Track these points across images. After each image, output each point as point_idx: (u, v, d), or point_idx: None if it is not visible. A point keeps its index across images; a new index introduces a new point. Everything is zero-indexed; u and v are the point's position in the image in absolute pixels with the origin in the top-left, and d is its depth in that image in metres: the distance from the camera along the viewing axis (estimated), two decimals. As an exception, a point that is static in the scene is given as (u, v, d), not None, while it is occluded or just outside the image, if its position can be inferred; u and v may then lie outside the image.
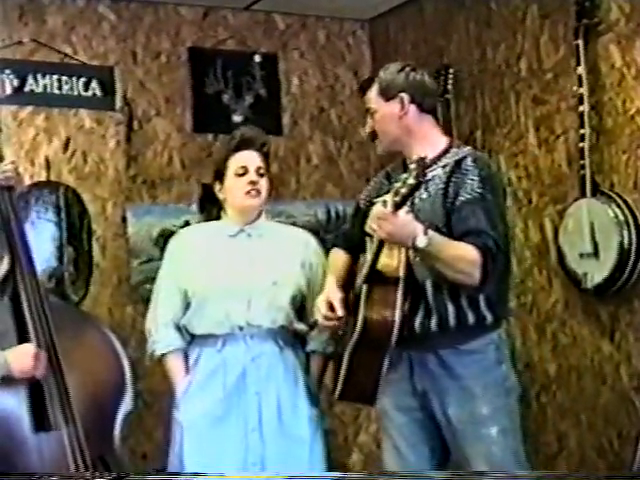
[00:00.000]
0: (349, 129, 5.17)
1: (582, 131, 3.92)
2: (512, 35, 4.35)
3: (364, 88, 3.27)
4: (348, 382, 3.19)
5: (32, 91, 4.49)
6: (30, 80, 4.48)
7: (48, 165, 4.50)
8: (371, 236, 3.12)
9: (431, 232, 2.92)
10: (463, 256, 2.98)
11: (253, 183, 3.53)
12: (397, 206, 2.85)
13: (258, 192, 3.54)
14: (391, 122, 3.19)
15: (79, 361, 3.31)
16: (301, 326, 3.56)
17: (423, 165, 2.83)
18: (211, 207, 3.69)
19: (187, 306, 3.56)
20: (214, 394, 3.49)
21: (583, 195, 3.91)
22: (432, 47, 4.78)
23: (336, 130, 5.15)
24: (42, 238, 4.40)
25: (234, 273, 3.52)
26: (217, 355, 3.50)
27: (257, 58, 4.96)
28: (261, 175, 3.56)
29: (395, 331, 3.03)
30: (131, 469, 3.53)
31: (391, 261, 3.04)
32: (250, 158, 3.55)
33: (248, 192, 3.52)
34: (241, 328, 3.48)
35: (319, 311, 3.25)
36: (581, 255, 3.91)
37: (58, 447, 3.16)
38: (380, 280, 3.07)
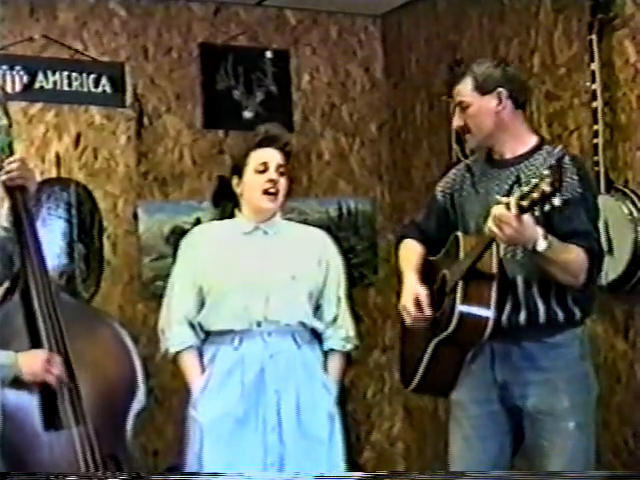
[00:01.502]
0: (360, 125, 5.16)
1: (595, 127, 3.89)
2: (525, 30, 4.32)
3: (453, 82, 3.23)
4: (428, 376, 3.22)
5: (42, 87, 4.49)
6: (40, 76, 4.48)
7: (59, 162, 4.49)
8: (458, 229, 3.15)
9: (550, 237, 2.90)
10: (575, 260, 2.98)
11: (272, 182, 3.50)
12: (522, 210, 2.81)
13: (276, 192, 3.51)
14: (487, 117, 3.16)
15: (91, 358, 3.29)
16: (318, 324, 3.56)
17: (559, 172, 2.80)
18: (226, 203, 3.66)
19: (201, 303, 3.52)
20: (233, 392, 3.46)
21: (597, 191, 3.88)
22: (445, 42, 4.76)
23: (347, 126, 5.14)
24: (53, 235, 4.39)
25: (252, 268, 3.49)
26: (234, 352, 3.47)
27: (268, 54, 4.95)
28: (281, 174, 3.54)
29: (489, 330, 3.04)
30: (142, 466, 3.53)
31: (484, 258, 3.04)
32: (271, 156, 3.53)
33: (266, 191, 3.50)
34: (259, 324, 3.46)
35: (406, 311, 3.22)
36: (595, 252, 3.88)
37: (69, 445, 3.15)
38: (475, 277, 3.07)
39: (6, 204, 3.31)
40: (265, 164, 3.51)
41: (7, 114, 3.32)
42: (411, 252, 3.41)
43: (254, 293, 3.46)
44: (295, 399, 3.47)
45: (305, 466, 3.43)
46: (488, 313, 3.05)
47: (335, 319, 3.60)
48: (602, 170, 3.86)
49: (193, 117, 4.80)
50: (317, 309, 3.59)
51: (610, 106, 3.92)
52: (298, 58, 5.05)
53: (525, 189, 2.81)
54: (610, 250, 3.82)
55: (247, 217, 3.57)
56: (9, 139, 3.30)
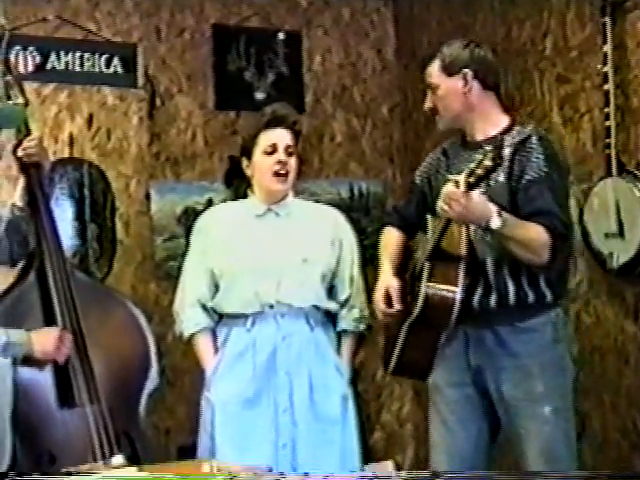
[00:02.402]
0: (372, 107, 5.15)
1: (607, 110, 3.89)
2: (538, 12, 4.31)
3: (424, 63, 3.25)
4: (403, 358, 3.23)
5: (54, 68, 4.49)
6: (53, 57, 4.47)
7: (72, 142, 4.50)
8: (433, 213, 3.14)
9: (504, 214, 2.92)
10: (535, 237, 2.98)
11: (282, 163, 3.49)
12: (470, 187, 2.85)
13: (286, 173, 3.50)
14: (454, 98, 3.18)
15: (105, 337, 3.33)
16: (332, 305, 3.56)
17: (500, 146, 2.83)
18: (239, 183, 3.65)
19: (215, 286, 3.53)
20: (244, 374, 3.46)
21: (608, 174, 3.88)
22: (457, 24, 4.74)
23: (359, 108, 5.13)
24: (65, 215, 4.41)
25: (263, 252, 3.49)
26: (247, 334, 3.48)
27: (281, 35, 4.94)
28: (290, 154, 3.52)
29: (456, 309, 3.05)
30: (155, 445, 3.55)
31: (453, 239, 3.06)
32: (280, 136, 3.52)
33: (276, 172, 3.48)
34: (271, 306, 3.46)
35: (376, 306, 3.26)
36: (606, 235, 3.88)
37: (83, 423, 3.19)
38: (442, 258, 3.09)
39: (21, 183, 3.33)
40: (274, 145, 3.50)
41: (23, 93, 3.35)
42: (389, 240, 3.44)
43: (265, 277, 3.46)
44: (307, 381, 3.48)
45: (318, 448, 3.45)
46: (454, 294, 3.05)
47: (348, 299, 3.60)
48: (613, 153, 3.86)
49: (205, 98, 4.80)
50: (331, 289, 3.59)
51: (622, 89, 3.91)
52: (310, 39, 5.04)
53: (471, 166, 2.84)
54: (621, 233, 3.83)
55: (259, 198, 3.56)
56: (25, 117, 3.32)
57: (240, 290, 3.48)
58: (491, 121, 3.18)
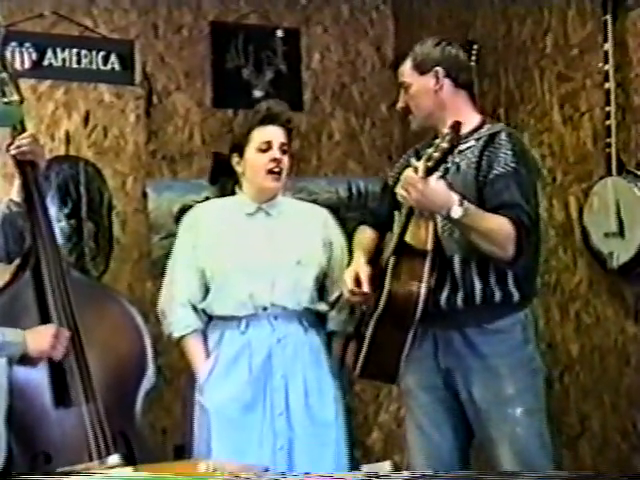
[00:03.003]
0: (371, 105, 5.13)
1: (608, 108, 3.87)
2: (538, 10, 4.28)
3: (397, 62, 3.25)
4: (370, 359, 3.18)
5: (51, 65, 4.46)
6: (49, 53, 4.45)
7: (68, 140, 4.47)
8: (400, 210, 3.10)
9: (466, 203, 2.89)
10: (498, 229, 2.95)
11: (276, 161, 3.47)
12: (429, 171, 2.82)
13: (280, 172, 3.48)
14: (425, 96, 3.17)
15: (101, 336, 3.31)
16: (322, 306, 3.54)
17: (457, 129, 2.81)
18: (226, 180, 3.62)
19: (205, 287, 3.49)
20: (240, 377, 3.44)
21: (609, 173, 3.85)
22: (457, 22, 4.72)
23: (358, 106, 5.11)
24: (62, 213, 4.38)
25: (256, 253, 3.47)
26: (241, 337, 3.45)
27: (279, 33, 4.92)
28: (284, 152, 3.50)
29: (420, 305, 3.01)
30: (151, 444, 3.53)
31: (419, 234, 3.03)
32: (275, 133, 3.50)
33: (270, 171, 3.46)
34: (265, 309, 3.44)
35: (345, 285, 3.22)
36: (606, 234, 3.86)
37: (79, 422, 3.16)
38: (408, 253, 3.05)
39: (17, 180, 3.30)
40: (269, 142, 3.48)
41: (18, 90, 3.32)
42: (362, 237, 3.43)
43: (259, 279, 3.43)
44: (302, 383, 3.46)
45: (313, 450, 3.44)
46: (419, 287, 3.01)
47: (337, 300, 3.58)
48: (614, 152, 3.84)
49: (203, 96, 4.77)
50: (321, 290, 3.58)
51: (623, 87, 3.88)
52: (309, 37, 5.02)
53: (429, 151, 2.82)
54: (621, 232, 3.80)
55: (249, 196, 3.53)
56: (21, 115, 3.29)
57: (233, 292, 3.44)
58: (463, 119, 3.11)
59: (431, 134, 3.27)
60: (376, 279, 3.17)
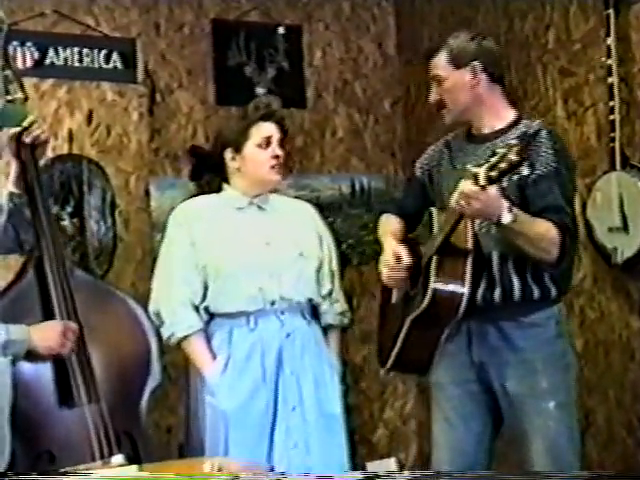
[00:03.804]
0: (374, 102, 5.12)
1: (611, 103, 3.86)
2: (540, 5, 4.27)
3: (429, 55, 3.21)
4: (403, 353, 3.19)
5: (53, 63, 4.46)
6: (51, 52, 4.44)
7: (71, 138, 4.47)
8: (434, 206, 3.13)
9: (515, 209, 2.88)
10: (544, 234, 2.95)
11: (277, 157, 3.48)
12: (491, 181, 2.78)
13: (280, 167, 3.50)
14: (461, 91, 3.14)
15: (105, 335, 3.30)
16: (320, 299, 3.56)
17: (527, 141, 2.78)
18: (212, 176, 3.60)
19: (204, 284, 3.46)
20: (254, 376, 3.42)
21: (612, 168, 3.85)
22: (459, 18, 4.71)
23: (361, 103, 5.10)
24: (65, 212, 4.38)
25: (260, 247, 3.46)
26: (251, 334, 3.43)
27: (281, 30, 4.91)
28: (282, 148, 3.53)
29: (463, 306, 3.01)
30: (156, 443, 3.53)
31: (459, 232, 3.02)
32: (273, 130, 3.52)
33: (272, 167, 3.48)
34: (273, 303, 3.43)
35: (386, 265, 3.19)
36: (610, 229, 3.85)
37: (82, 423, 3.16)
38: (449, 252, 3.04)
39: (14, 169, 3.28)
40: (268, 139, 3.49)
41: (22, 88, 3.32)
42: (389, 224, 3.41)
43: (266, 273, 3.43)
44: (312, 377, 3.47)
45: (326, 443, 3.45)
46: (462, 289, 3.01)
47: (330, 293, 3.60)
48: (618, 146, 3.83)
49: (205, 93, 4.77)
50: (317, 283, 3.58)
51: (626, 82, 3.88)
52: (310, 34, 5.01)
53: (493, 159, 2.76)
54: (625, 227, 3.80)
55: (241, 191, 3.52)
56: (25, 113, 3.29)
57: (241, 287, 3.42)
58: (498, 115, 3.15)
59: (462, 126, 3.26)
60: (412, 258, 3.17)
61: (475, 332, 3.14)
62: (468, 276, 3.01)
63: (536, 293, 3.08)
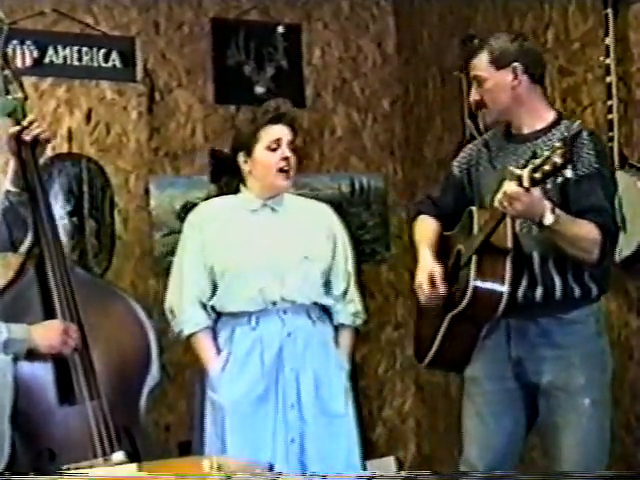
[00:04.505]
0: (373, 101, 5.13)
1: (610, 102, 3.86)
2: (539, 5, 4.28)
3: (470, 56, 3.21)
4: (442, 350, 3.22)
5: (52, 62, 4.47)
6: (50, 51, 4.45)
7: (70, 137, 4.48)
8: (473, 205, 3.15)
9: (558, 210, 2.89)
10: (586, 235, 2.97)
11: (286, 159, 3.49)
12: (535, 183, 2.80)
13: (289, 169, 3.51)
14: (502, 92, 3.15)
15: (105, 333, 3.31)
16: (329, 300, 3.56)
17: (571, 144, 2.79)
18: (230, 179, 3.63)
19: (213, 283, 3.50)
20: (253, 373, 3.45)
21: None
22: (458, 17, 4.71)
23: (359, 102, 5.11)
24: (64, 210, 4.38)
25: (264, 249, 3.48)
26: (252, 332, 3.47)
27: (280, 29, 4.92)
28: (292, 150, 3.52)
29: (503, 304, 3.03)
30: (155, 441, 3.54)
31: (499, 232, 3.04)
32: (283, 132, 3.51)
33: (281, 169, 3.48)
34: (274, 303, 3.45)
35: (421, 288, 3.22)
36: (609, 228, 3.85)
37: (82, 420, 3.16)
38: (489, 251, 3.06)
39: (12, 168, 3.28)
40: (278, 141, 3.49)
41: (22, 87, 3.33)
42: (426, 228, 3.41)
43: (269, 274, 3.45)
44: (313, 375, 3.48)
45: (325, 442, 3.46)
46: (502, 288, 3.04)
47: (344, 294, 3.61)
48: (616, 146, 3.84)
49: (204, 92, 4.78)
50: (326, 285, 3.59)
51: (624, 81, 3.88)
52: (310, 33, 5.02)
53: (537, 161, 2.78)
54: (624, 226, 3.79)
55: (255, 193, 3.54)
56: (24, 112, 3.30)
57: (243, 287, 3.45)
58: (538, 115, 3.16)
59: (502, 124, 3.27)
60: (448, 273, 3.20)
61: (514, 328, 3.15)
62: (508, 275, 3.03)
63: (577, 292, 3.10)
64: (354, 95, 5.10)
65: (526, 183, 2.80)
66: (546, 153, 2.78)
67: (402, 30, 5.11)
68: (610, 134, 3.85)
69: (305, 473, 3.34)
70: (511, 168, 2.90)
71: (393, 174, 5.17)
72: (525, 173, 2.80)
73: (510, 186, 2.85)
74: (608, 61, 3.84)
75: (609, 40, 3.83)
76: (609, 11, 3.84)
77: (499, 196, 2.90)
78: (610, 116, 3.85)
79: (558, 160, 2.74)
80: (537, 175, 2.78)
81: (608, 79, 3.85)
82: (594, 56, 4.00)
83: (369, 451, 4.90)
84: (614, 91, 3.84)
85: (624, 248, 3.79)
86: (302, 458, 3.43)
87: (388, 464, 5.00)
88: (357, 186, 5.02)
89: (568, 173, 2.83)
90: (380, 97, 5.13)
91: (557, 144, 2.79)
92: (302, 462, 3.41)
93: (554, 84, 4.24)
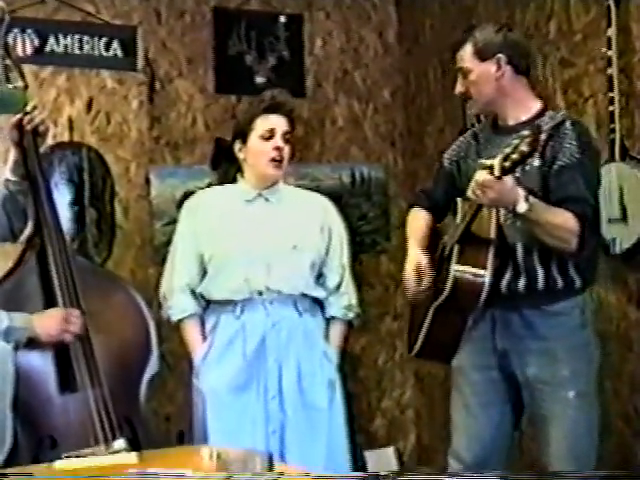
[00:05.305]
0: (374, 91, 5.13)
1: (611, 94, 3.86)
2: (542, -5, 4.29)
3: (456, 47, 3.22)
4: (429, 341, 3.23)
5: (53, 51, 4.46)
6: (51, 40, 4.44)
7: (71, 126, 4.47)
8: (462, 196, 3.13)
9: (532, 198, 2.91)
10: (563, 224, 2.97)
11: (278, 149, 3.48)
12: (505, 172, 2.82)
13: (281, 160, 3.49)
14: (486, 83, 3.16)
15: (106, 321, 3.30)
16: (320, 292, 3.55)
17: (538, 132, 2.80)
18: (228, 167, 3.63)
19: (203, 271, 3.51)
20: (234, 361, 3.45)
21: (612, 159, 3.84)
22: (460, 8, 4.71)
23: (361, 92, 5.11)
24: (64, 199, 4.38)
25: (253, 238, 3.48)
26: (236, 321, 3.47)
27: (282, 19, 4.91)
28: (286, 141, 3.51)
29: (485, 292, 3.04)
30: (155, 431, 3.54)
31: (482, 222, 3.05)
32: (278, 122, 3.50)
33: (272, 159, 3.48)
34: (260, 293, 3.45)
35: (407, 281, 3.24)
36: (609, 220, 3.85)
37: (84, 407, 3.16)
38: (472, 241, 3.07)
39: (12, 157, 3.27)
40: (272, 130, 3.49)
41: (22, 76, 3.32)
42: (417, 221, 3.43)
43: (255, 263, 3.44)
44: (296, 367, 3.47)
45: (305, 434, 3.44)
46: (483, 276, 3.04)
47: (338, 287, 3.60)
48: (617, 138, 3.84)
49: (205, 82, 4.77)
50: (319, 277, 3.58)
51: (626, 73, 3.88)
52: (311, 23, 5.01)
53: (507, 150, 2.80)
54: (624, 218, 3.80)
55: (250, 183, 3.54)
56: (25, 101, 3.29)
57: (229, 276, 3.46)
58: (523, 106, 3.17)
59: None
60: (434, 265, 3.21)
61: (499, 319, 3.17)
62: (490, 263, 3.04)
63: (560, 283, 3.10)
64: (355, 85, 5.10)
65: (497, 172, 2.82)
66: (514, 142, 2.80)
67: (404, 20, 5.10)
68: (611, 126, 3.85)
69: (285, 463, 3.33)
70: (481, 160, 2.94)
71: (394, 165, 5.17)
72: (496, 162, 2.83)
73: (482, 175, 2.87)
74: (610, 53, 3.84)
75: (611, 32, 3.83)
76: (611, 3, 3.83)
77: (472, 185, 2.92)
78: (611, 108, 3.85)
79: (525, 148, 2.77)
80: (507, 164, 2.80)
81: (610, 71, 3.85)
82: (596, 48, 4.00)
83: (368, 442, 4.93)
84: (616, 83, 3.84)
85: (624, 240, 3.80)
86: (282, 449, 3.41)
87: (388, 455, 5.01)
88: (358, 177, 5.02)
89: (535, 161, 2.90)
90: (381, 87, 5.13)
91: (525, 132, 2.81)
92: (282, 453, 3.39)
93: (555, 75, 4.24)
